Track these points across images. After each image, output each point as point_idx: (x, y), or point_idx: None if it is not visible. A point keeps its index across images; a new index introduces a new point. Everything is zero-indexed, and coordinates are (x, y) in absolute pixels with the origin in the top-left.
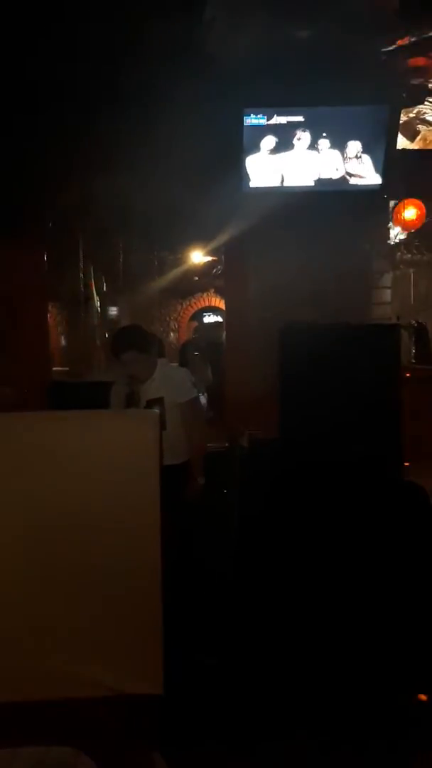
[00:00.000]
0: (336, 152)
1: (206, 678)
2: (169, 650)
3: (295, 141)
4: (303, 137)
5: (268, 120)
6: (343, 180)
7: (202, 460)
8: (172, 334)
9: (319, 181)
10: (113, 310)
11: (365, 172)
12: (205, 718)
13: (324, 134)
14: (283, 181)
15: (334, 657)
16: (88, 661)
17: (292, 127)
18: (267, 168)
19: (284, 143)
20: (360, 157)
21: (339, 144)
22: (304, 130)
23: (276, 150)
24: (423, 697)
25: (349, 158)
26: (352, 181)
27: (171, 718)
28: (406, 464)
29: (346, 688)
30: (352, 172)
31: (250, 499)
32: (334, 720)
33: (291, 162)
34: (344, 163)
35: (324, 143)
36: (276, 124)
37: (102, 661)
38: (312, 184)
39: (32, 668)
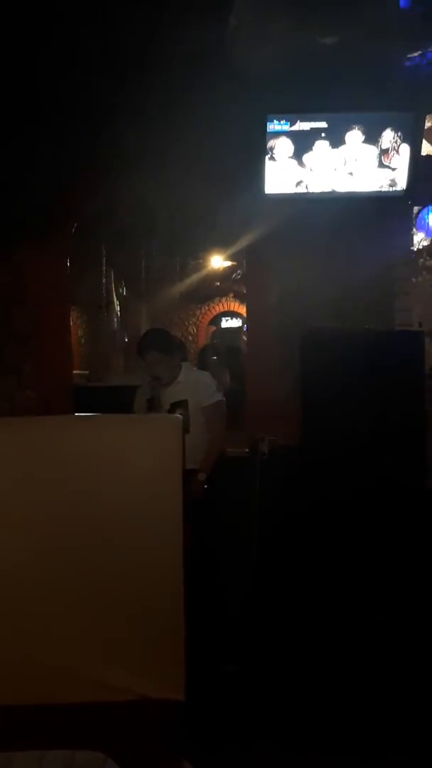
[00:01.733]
0: (370, 147)
1: (226, 685)
2: (190, 657)
3: (318, 145)
4: (327, 141)
5: (291, 126)
6: (366, 186)
7: (213, 460)
8: (190, 338)
9: (344, 187)
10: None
11: (389, 181)
12: (226, 724)
13: (359, 138)
14: (305, 186)
15: (354, 665)
16: (112, 666)
17: (316, 132)
18: (289, 173)
19: (307, 148)
20: (397, 148)
21: (372, 138)
22: (327, 135)
23: (298, 155)
24: None
25: (385, 150)
26: (375, 187)
27: (193, 724)
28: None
29: (367, 697)
30: (391, 165)
31: (270, 506)
32: (353, 729)
33: (314, 167)
34: (381, 158)
35: (355, 137)
36: (299, 130)
37: (125, 666)
38: (336, 190)
39: (59, 673)
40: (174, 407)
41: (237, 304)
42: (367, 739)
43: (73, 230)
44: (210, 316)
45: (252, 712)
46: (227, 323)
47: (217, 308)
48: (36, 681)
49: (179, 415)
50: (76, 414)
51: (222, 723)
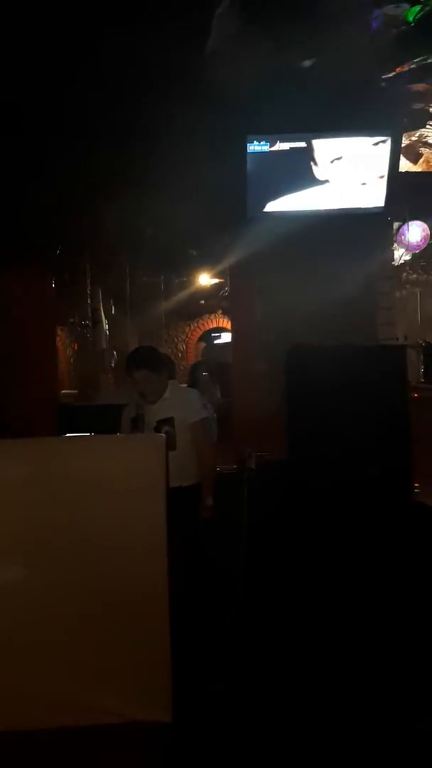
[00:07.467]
0: (349, 165)
1: (214, 705)
2: (177, 677)
3: (297, 164)
4: (306, 161)
5: (270, 146)
6: (345, 204)
7: (212, 482)
8: (179, 354)
9: (324, 205)
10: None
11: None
12: (213, 744)
13: (338, 157)
14: (286, 204)
15: (344, 682)
16: (98, 689)
17: (296, 153)
18: (270, 192)
19: (286, 167)
20: (365, 184)
21: (351, 156)
22: (306, 154)
23: (278, 174)
24: None
25: (363, 168)
26: (354, 204)
27: (180, 745)
28: (416, 485)
29: (357, 714)
30: (371, 183)
31: (258, 521)
32: (344, 746)
33: (294, 185)
34: (360, 176)
35: (334, 156)
36: (279, 150)
37: (111, 689)
38: (317, 208)
39: (42, 696)
40: (160, 424)
41: (226, 320)
42: (360, 756)
43: (59, 251)
44: (199, 333)
45: (241, 733)
46: (218, 340)
47: (206, 325)
48: (21, 706)
49: (163, 434)
50: (62, 436)
51: (210, 744)
